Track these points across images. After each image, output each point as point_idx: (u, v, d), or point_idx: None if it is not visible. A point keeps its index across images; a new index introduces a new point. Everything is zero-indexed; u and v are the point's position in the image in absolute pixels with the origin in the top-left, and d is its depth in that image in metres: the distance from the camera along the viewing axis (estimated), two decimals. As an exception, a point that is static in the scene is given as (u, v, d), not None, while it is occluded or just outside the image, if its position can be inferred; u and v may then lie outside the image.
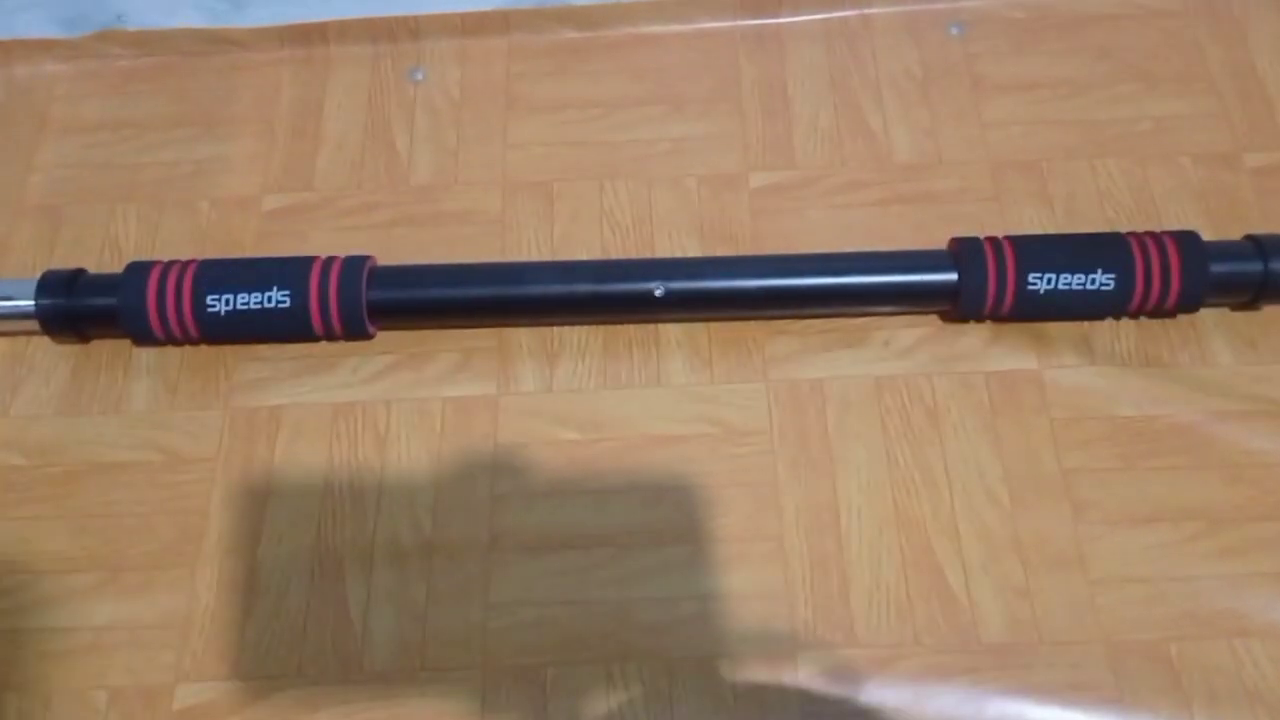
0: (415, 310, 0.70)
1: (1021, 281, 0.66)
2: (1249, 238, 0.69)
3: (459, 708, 0.60)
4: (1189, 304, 0.68)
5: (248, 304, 0.67)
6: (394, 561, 0.64)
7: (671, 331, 0.71)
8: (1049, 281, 0.66)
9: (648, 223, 0.76)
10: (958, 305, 0.68)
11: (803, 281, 0.69)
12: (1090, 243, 0.68)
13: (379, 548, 0.65)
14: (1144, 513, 0.64)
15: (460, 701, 0.60)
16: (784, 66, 0.83)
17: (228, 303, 0.67)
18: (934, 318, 0.71)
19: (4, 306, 0.69)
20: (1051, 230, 0.74)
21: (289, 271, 0.68)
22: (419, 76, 0.84)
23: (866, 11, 0.85)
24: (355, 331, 0.69)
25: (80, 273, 0.71)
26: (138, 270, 0.69)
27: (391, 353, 0.72)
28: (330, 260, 0.69)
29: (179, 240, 0.77)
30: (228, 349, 0.72)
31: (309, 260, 0.69)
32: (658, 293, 0.68)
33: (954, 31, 0.84)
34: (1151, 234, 0.68)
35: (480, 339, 0.72)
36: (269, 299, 0.67)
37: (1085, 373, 0.69)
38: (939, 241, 0.71)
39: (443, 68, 0.85)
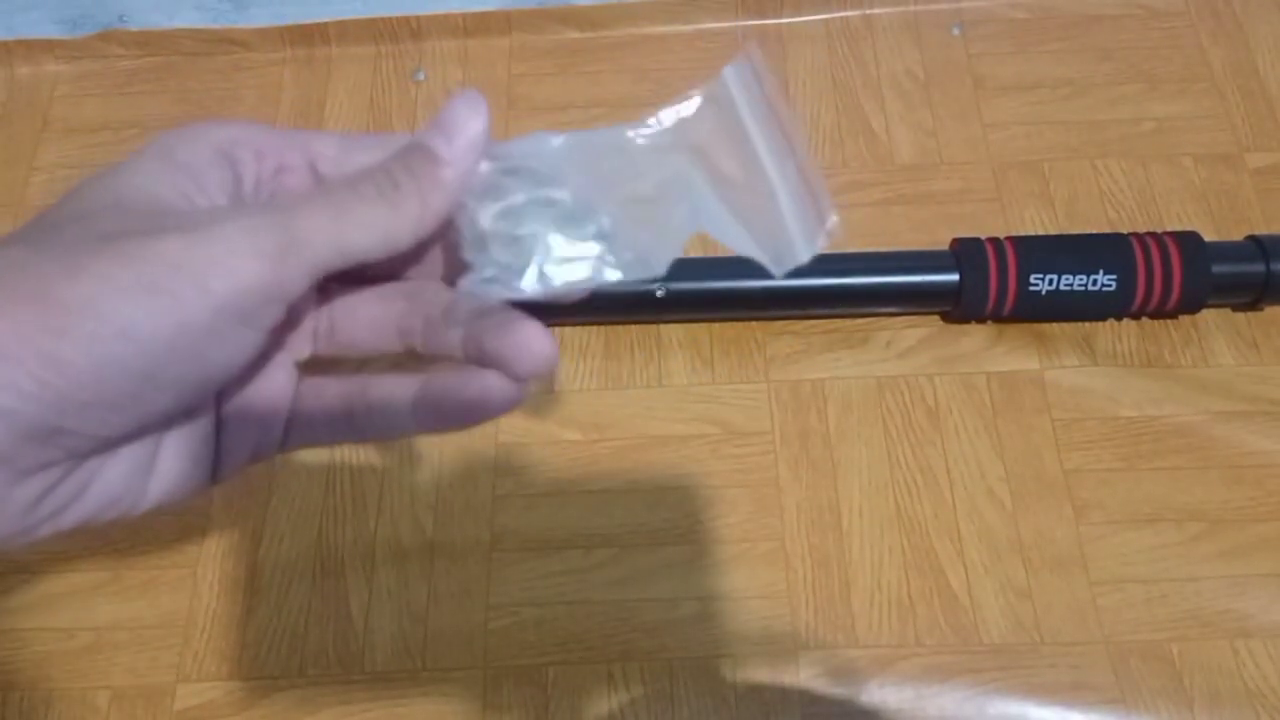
0: (417, 310, 0.70)
1: (1023, 282, 0.66)
2: (1251, 238, 0.69)
3: (460, 707, 0.60)
4: (1190, 305, 0.68)
5: (249, 304, 0.67)
6: (395, 561, 0.64)
7: (673, 332, 0.71)
8: (1050, 282, 0.66)
9: (649, 223, 0.76)
10: (959, 306, 0.68)
11: (804, 282, 0.69)
12: (1092, 243, 0.68)
13: (380, 548, 0.65)
14: (1145, 513, 0.64)
15: (461, 701, 0.60)
16: (785, 67, 0.83)
17: (229, 303, 0.67)
18: (935, 318, 0.71)
19: (6, 306, 0.69)
20: (1053, 231, 0.74)
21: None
22: (421, 77, 0.84)
23: (868, 12, 0.85)
24: (357, 331, 0.69)
25: (82, 273, 0.70)
26: (139, 270, 0.68)
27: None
28: (332, 260, 0.69)
29: (181, 240, 0.77)
30: (229, 349, 0.72)
31: (310, 260, 0.69)
32: (659, 293, 0.68)
33: (956, 32, 0.84)
34: (1153, 234, 0.68)
35: (482, 339, 0.72)
36: (270, 299, 0.67)
37: (1086, 373, 0.69)
38: (940, 242, 0.71)
39: (444, 68, 0.85)
